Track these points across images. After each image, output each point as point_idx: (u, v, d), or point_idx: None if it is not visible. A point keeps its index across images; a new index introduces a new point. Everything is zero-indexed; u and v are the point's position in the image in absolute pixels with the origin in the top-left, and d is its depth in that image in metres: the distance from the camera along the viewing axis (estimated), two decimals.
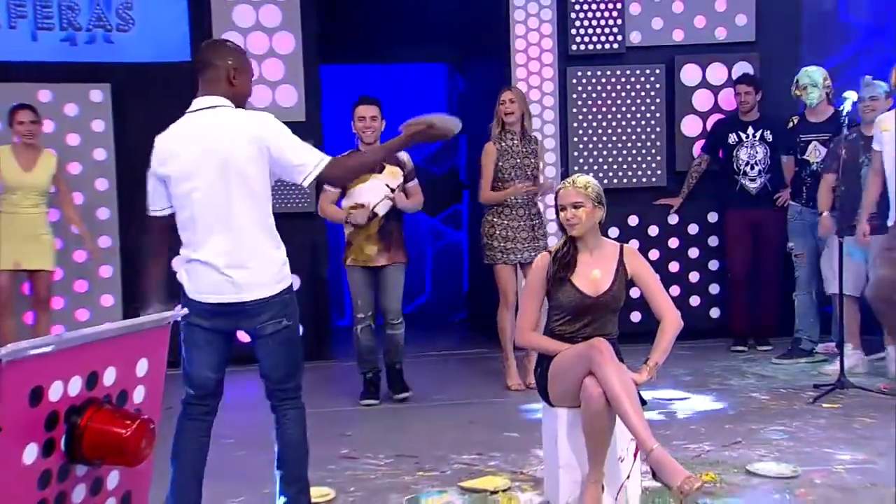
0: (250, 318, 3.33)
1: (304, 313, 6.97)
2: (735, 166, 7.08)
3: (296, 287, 6.92)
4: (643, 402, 3.70)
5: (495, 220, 6.11)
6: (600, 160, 7.40)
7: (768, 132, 7.03)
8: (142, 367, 1.97)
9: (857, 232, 5.88)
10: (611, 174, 7.48)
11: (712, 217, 7.56)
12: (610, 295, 3.87)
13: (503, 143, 6.09)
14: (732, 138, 7.09)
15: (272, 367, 3.42)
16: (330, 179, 3.58)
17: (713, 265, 7.63)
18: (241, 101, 3.41)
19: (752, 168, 7.05)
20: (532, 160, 6.10)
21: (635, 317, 7.43)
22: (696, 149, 7.46)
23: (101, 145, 7.01)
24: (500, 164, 6.07)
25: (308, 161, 3.29)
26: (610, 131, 7.47)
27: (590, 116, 7.42)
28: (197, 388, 3.42)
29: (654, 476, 3.53)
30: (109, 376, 1.88)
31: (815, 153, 6.62)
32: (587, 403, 3.61)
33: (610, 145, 7.46)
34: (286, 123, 6.99)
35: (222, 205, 3.27)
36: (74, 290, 6.99)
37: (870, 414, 5.23)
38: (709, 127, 7.47)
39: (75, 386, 1.80)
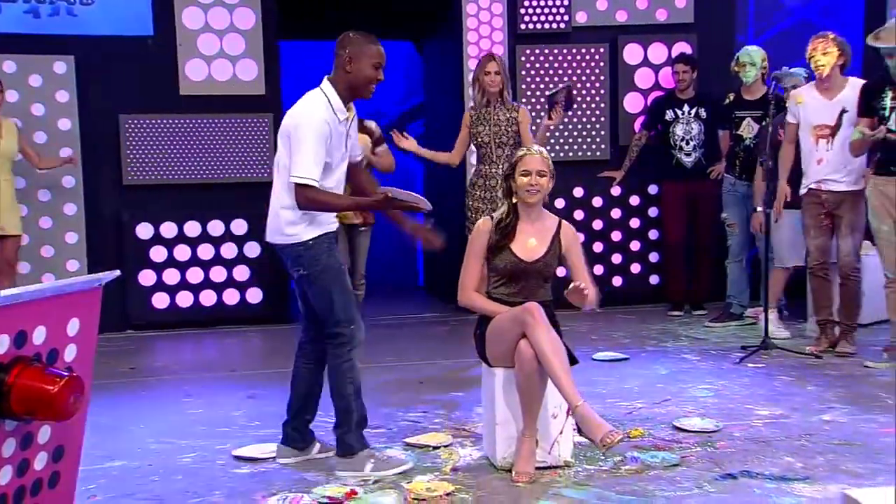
0: (282, 262, 3.80)
1: (263, 278, 7.11)
2: (671, 141, 7.10)
3: (255, 253, 7.09)
4: (573, 362, 3.73)
5: (476, 192, 5.98)
6: (546, 134, 7.24)
7: (703, 109, 7.06)
8: (73, 326, 1.94)
9: (778, 198, 5.91)
10: (557, 147, 7.49)
11: (652, 189, 7.63)
12: (542, 262, 3.89)
13: (482, 111, 5.99)
14: (669, 115, 7.11)
15: (312, 308, 3.83)
16: (297, 200, 3.65)
17: (652, 234, 7.70)
18: (356, 85, 3.69)
19: (688, 143, 7.08)
20: (510, 128, 5.87)
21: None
22: (637, 125, 7.50)
23: (65, 115, 6.90)
24: (477, 129, 5.92)
25: (296, 170, 3.58)
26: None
27: (538, 92, 7.40)
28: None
29: (580, 431, 3.57)
30: (39, 335, 1.85)
31: (749, 129, 6.64)
32: (520, 364, 3.64)
33: (566, 121, 7.43)
34: (246, 97, 7.12)
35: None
36: (40, 256, 6.91)
37: (789, 373, 5.32)
38: (648, 104, 7.50)
39: (3, 344, 1.76)
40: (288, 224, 3.69)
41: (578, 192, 7.55)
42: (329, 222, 3.78)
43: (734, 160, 6.76)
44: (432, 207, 3.75)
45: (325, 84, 3.71)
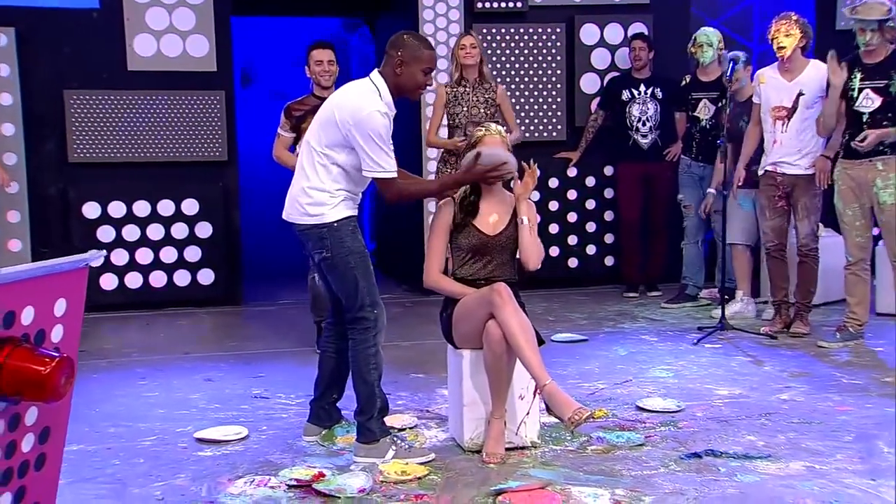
0: (303, 243, 3.83)
1: (215, 259, 7.07)
2: (628, 122, 7.15)
3: (208, 233, 7.04)
4: (540, 342, 3.78)
5: (441, 167, 6.05)
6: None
7: (659, 89, 7.11)
8: (60, 307, 1.94)
9: (734, 178, 5.98)
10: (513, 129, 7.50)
11: (608, 170, 7.65)
12: (505, 235, 3.96)
13: (456, 89, 6.01)
14: (625, 95, 7.14)
15: (335, 292, 3.87)
16: (388, 196, 3.79)
17: (608, 216, 7.73)
18: (405, 89, 3.75)
19: (644, 124, 7.12)
20: (483, 109, 5.97)
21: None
22: (594, 105, 7.49)
23: (6, 90, 6.74)
24: (449, 109, 6.00)
25: (375, 166, 3.65)
26: (514, 86, 7.47)
27: (493, 72, 7.35)
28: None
29: (548, 410, 3.63)
30: (27, 315, 1.85)
31: (705, 110, 6.71)
32: (489, 344, 3.68)
33: (513, 100, 7.40)
34: (196, 74, 7.04)
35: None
36: None
37: (746, 353, 5.45)
38: (604, 84, 7.52)
39: None
40: (314, 205, 3.72)
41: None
42: (355, 206, 3.82)
43: (690, 141, 6.86)
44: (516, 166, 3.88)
45: (376, 76, 3.75)
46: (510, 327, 3.61)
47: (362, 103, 3.65)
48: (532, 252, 3.89)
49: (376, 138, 3.62)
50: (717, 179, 6.32)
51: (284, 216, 3.85)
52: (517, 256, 4.00)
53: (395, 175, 3.71)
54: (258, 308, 7.23)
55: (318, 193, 3.72)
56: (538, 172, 3.94)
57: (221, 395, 4.77)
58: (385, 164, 3.66)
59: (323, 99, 5.37)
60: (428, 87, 4.02)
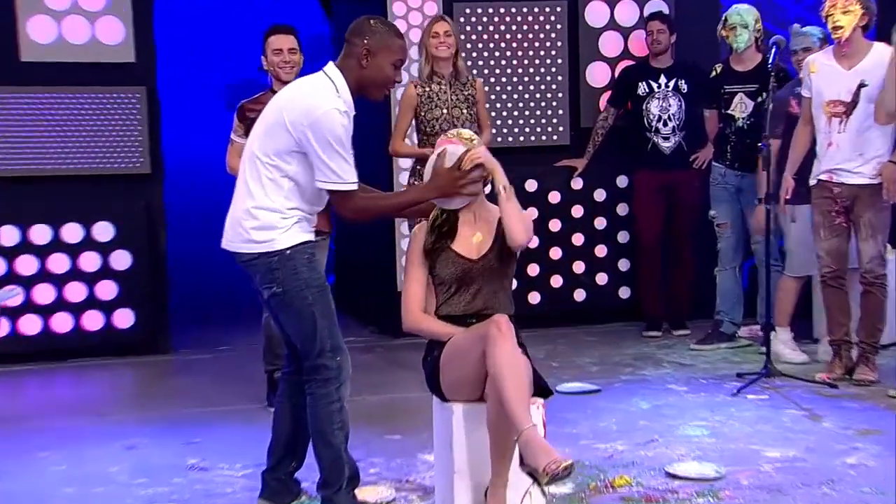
0: (250, 277, 3.87)
1: (135, 296, 6.98)
2: (646, 121, 7.18)
3: (126, 265, 6.97)
4: (546, 393, 3.87)
5: (413, 181, 6.07)
6: (492, 114, 7.31)
7: (683, 81, 7.15)
8: None
9: (780, 190, 6.04)
10: (505, 131, 7.49)
11: (621, 181, 7.65)
12: (492, 258, 4.00)
13: (428, 88, 6.04)
14: (642, 88, 7.18)
15: (289, 335, 3.92)
16: (344, 212, 3.89)
17: (622, 237, 7.71)
18: (369, 85, 3.83)
19: (665, 124, 7.16)
20: (466, 110, 6.05)
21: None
22: (603, 101, 7.51)
23: None
24: (423, 114, 6.04)
25: (332, 176, 3.73)
26: (504, 80, 7.47)
27: (480, 62, 7.40)
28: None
29: (521, 462, 3.63)
30: None
31: (741, 107, 6.75)
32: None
33: (504, 96, 7.45)
34: (111, 64, 6.95)
35: None
36: None
37: (799, 406, 5.45)
38: (616, 76, 7.54)
39: None
40: (261, 228, 3.75)
41: (530, 185, 7.52)
42: (310, 228, 3.87)
43: (724, 146, 6.86)
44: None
45: (333, 71, 3.80)
46: (497, 362, 3.65)
47: (317, 101, 3.71)
48: (515, 222, 3.88)
49: (334, 142, 3.68)
50: (761, 190, 6.31)
51: (224, 245, 3.88)
52: (511, 285, 4.07)
53: (355, 187, 3.77)
54: (191, 357, 7.21)
55: (267, 214, 3.76)
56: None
57: (148, 467, 4.73)
58: (344, 174, 3.72)
59: None
60: (397, 84, 4.08)
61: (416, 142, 6.31)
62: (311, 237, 3.86)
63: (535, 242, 6.98)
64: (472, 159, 3.89)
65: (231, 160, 5.64)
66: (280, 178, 3.74)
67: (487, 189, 4.09)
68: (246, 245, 3.80)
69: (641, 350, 6.93)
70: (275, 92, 5.44)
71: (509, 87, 7.51)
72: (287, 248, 3.76)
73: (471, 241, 4.02)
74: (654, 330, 7.35)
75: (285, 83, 5.42)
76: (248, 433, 5.07)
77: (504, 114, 7.52)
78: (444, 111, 6.03)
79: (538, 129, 7.60)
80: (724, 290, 6.96)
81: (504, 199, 3.90)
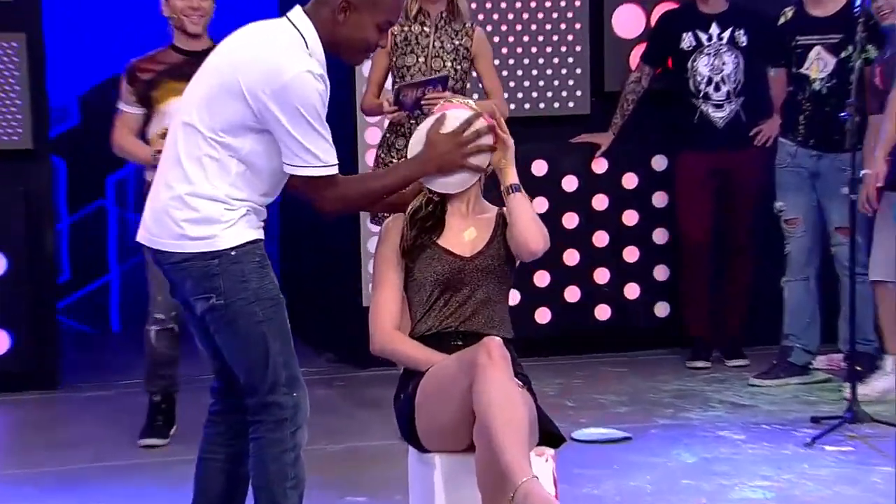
0: (175, 284, 3.89)
1: (14, 315, 6.81)
2: (692, 85, 7.18)
3: (2, 267, 6.75)
4: (556, 442, 3.92)
5: (384, 155, 6.08)
6: (501, 79, 7.12)
7: (742, 31, 7.14)
8: None
9: (865, 179, 6.10)
10: (506, 96, 7.23)
11: (658, 162, 7.66)
12: (489, 256, 4.05)
13: (408, 29, 6.07)
14: (688, 41, 7.17)
15: (230, 363, 3.87)
16: (321, 203, 3.91)
17: (659, 237, 7.72)
18: (344, 46, 3.84)
19: (718, 87, 7.14)
20: (450, 63, 6.05)
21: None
22: (635, 58, 7.52)
23: None
24: (395, 59, 6.08)
25: (307, 157, 3.73)
26: (505, 27, 7.43)
27: (481, 15, 7.31)
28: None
29: None
30: None
31: (819, 64, 6.71)
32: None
33: (505, 50, 7.40)
34: None
35: None
36: None
37: None
38: (653, 24, 7.55)
39: None
40: (198, 222, 3.74)
41: (539, 167, 7.53)
42: (260, 223, 3.86)
43: (796, 116, 6.81)
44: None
45: (301, 19, 3.79)
46: (486, 401, 3.66)
47: (283, 61, 3.71)
48: (530, 227, 3.93)
49: (308, 114, 3.68)
50: (868, 163, 6.24)
51: (143, 239, 3.89)
52: (509, 297, 4.17)
53: (336, 171, 3.78)
54: (86, 393, 7.17)
55: (207, 204, 3.74)
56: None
57: None
58: (322, 155, 3.73)
59: (189, 54, 5.54)
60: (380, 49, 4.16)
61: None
62: (261, 235, 3.86)
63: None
64: (484, 127, 3.96)
65: (120, 137, 5.75)
66: (228, 158, 3.73)
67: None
68: (176, 242, 3.76)
69: (685, 385, 6.95)
70: (176, 48, 5.71)
71: (510, 38, 7.49)
72: (232, 248, 3.74)
73: (462, 237, 4.07)
74: (702, 359, 7.35)
75: (192, 36, 5.71)
76: (162, 491, 5.15)
77: (504, 73, 7.40)
78: (421, 59, 6.04)
79: (549, 94, 7.57)
80: (794, 307, 6.92)
81: (514, 199, 3.96)
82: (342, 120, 7.05)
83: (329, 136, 3.77)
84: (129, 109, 5.67)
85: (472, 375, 3.73)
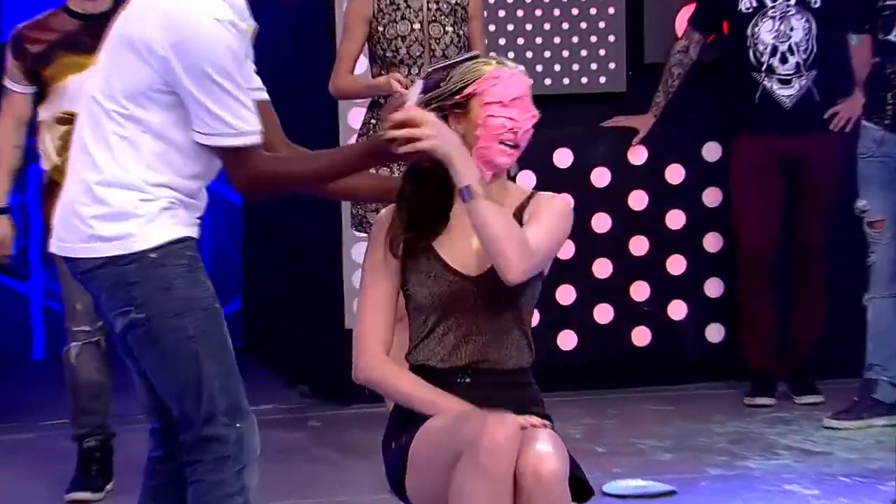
0: (93, 296, 3.95)
1: None
2: (752, 55, 7.19)
3: None
4: (586, 492, 3.83)
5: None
6: (500, 42, 7.39)
7: None
8: None
9: None
10: (522, 69, 7.26)
11: (711, 152, 7.69)
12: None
13: None
14: (747, 1, 7.20)
15: (159, 392, 3.87)
16: (240, 181, 3.90)
17: (711, 243, 7.75)
18: None
19: (785, 59, 7.17)
20: (451, 27, 6.09)
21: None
22: (681, 23, 7.50)
23: None
24: (382, 29, 6.06)
25: (224, 124, 3.69)
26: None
27: None
28: None
29: None
30: None
31: None
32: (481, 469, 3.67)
33: (521, 13, 7.46)
34: None
35: None
36: None
37: None
38: None
39: None
40: (108, 219, 3.72)
41: (563, 157, 7.58)
42: (192, 218, 3.84)
43: (883, 94, 6.79)
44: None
45: None
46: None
47: (183, 6, 3.71)
48: (494, 246, 3.71)
49: (215, 71, 3.66)
50: None
51: (53, 248, 3.92)
52: (531, 320, 4.05)
53: (257, 140, 3.74)
54: (5, 437, 7.19)
55: (118, 195, 3.72)
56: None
57: None
58: (232, 120, 3.70)
59: (86, 18, 5.57)
60: None
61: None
62: (194, 232, 3.82)
63: (569, 252, 7.23)
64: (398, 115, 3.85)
65: (5, 122, 5.81)
66: (139, 134, 3.71)
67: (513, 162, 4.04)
68: (86, 245, 3.74)
69: (743, 427, 6.94)
70: (70, 11, 5.75)
71: (533, 6, 7.54)
72: (152, 249, 3.71)
73: (469, 245, 3.91)
74: (765, 395, 7.34)
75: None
76: None
77: (519, 41, 7.49)
78: (416, 26, 6.06)
79: (575, 68, 7.63)
80: (880, 331, 6.89)
81: (467, 208, 3.74)
82: (321, 102, 7.09)
83: (245, 98, 3.73)
84: (16, 88, 5.72)
85: (462, 453, 3.64)
